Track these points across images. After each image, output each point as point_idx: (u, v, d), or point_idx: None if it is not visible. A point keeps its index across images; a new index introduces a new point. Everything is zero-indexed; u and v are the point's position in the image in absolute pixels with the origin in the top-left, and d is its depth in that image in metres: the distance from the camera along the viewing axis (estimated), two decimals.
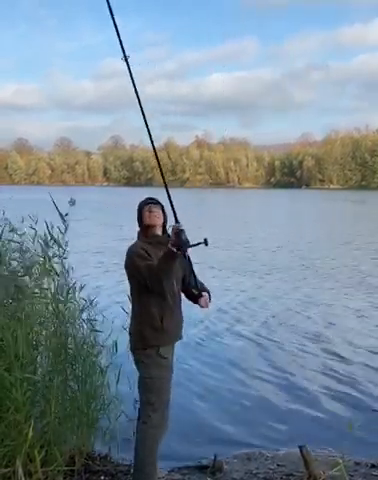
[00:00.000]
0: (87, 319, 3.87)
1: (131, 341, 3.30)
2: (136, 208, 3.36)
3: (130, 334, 3.33)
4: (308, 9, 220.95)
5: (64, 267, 3.79)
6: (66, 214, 3.84)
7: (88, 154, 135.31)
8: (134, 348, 3.27)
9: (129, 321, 3.37)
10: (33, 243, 3.86)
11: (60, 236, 3.79)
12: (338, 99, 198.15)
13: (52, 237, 3.75)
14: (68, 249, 3.82)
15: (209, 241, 3.08)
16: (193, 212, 30.62)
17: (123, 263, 3.29)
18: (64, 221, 3.78)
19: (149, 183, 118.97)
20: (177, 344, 3.41)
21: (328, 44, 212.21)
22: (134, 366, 3.34)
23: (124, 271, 3.37)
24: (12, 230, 3.96)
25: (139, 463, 3.21)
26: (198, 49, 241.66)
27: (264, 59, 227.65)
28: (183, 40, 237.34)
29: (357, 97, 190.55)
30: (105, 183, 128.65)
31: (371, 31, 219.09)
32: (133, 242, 3.31)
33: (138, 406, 3.33)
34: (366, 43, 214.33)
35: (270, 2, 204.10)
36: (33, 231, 3.93)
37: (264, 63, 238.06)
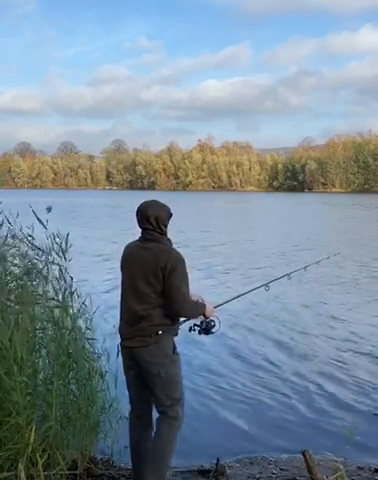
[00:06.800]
0: (86, 323, 3.86)
1: (159, 340, 3.21)
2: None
3: (156, 334, 3.20)
4: (297, 17, 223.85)
5: (63, 272, 3.77)
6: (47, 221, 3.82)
7: (91, 158, 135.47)
8: (164, 347, 3.24)
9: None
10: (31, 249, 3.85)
11: (62, 243, 3.78)
12: (332, 104, 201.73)
13: (46, 247, 3.76)
14: (68, 254, 3.81)
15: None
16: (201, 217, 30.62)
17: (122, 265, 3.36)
18: (45, 227, 3.78)
19: (152, 187, 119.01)
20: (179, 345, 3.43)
21: (318, 51, 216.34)
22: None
23: (122, 272, 3.39)
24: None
25: (167, 455, 3.26)
26: (192, 56, 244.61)
27: (258, 65, 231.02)
28: (177, 47, 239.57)
29: (351, 102, 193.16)
30: (108, 187, 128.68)
31: (359, 39, 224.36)
32: (169, 247, 3.26)
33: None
34: (355, 50, 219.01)
35: (261, 10, 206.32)
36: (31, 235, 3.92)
37: (258, 69, 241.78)
